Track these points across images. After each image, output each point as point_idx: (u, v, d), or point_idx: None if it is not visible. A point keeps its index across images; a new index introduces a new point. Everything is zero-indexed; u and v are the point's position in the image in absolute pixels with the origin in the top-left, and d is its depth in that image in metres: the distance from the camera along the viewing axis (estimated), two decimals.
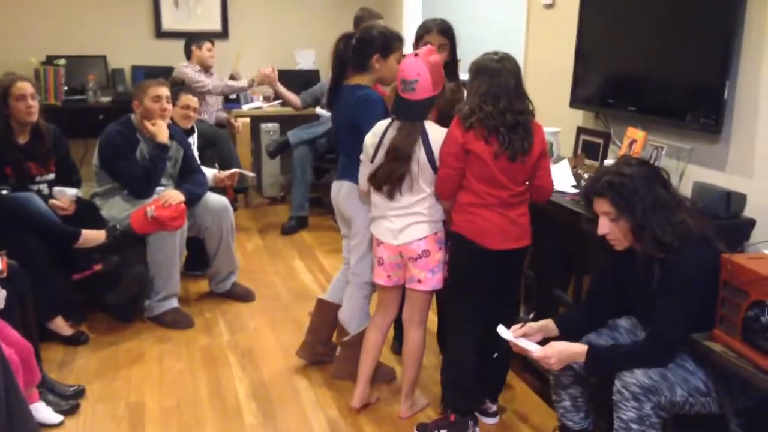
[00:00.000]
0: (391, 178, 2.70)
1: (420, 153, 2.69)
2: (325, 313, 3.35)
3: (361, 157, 2.85)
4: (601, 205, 2.28)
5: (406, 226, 2.76)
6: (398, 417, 2.97)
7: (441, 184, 2.70)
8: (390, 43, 3.02)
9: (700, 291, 2.14)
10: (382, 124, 2.78)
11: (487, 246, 2.66)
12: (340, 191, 3.13)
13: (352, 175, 3.00)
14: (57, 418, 2.91)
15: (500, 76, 2.59)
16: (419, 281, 2.80)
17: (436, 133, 2.71)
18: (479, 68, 2.63)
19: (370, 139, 2.79)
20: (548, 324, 2.53)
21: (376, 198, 2.81)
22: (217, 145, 5.50)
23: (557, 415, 2.51)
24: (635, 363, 2.19)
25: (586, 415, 2.46)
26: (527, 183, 2.70)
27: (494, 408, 2.97)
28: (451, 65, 3.16)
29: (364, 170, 2.84)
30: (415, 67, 2.66)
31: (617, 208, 2.24)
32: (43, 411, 2.88)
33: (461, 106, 2.64)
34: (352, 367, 3.13)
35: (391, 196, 2.74)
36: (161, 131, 3.88)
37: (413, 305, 2.89)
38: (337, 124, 3.18)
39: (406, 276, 2.85)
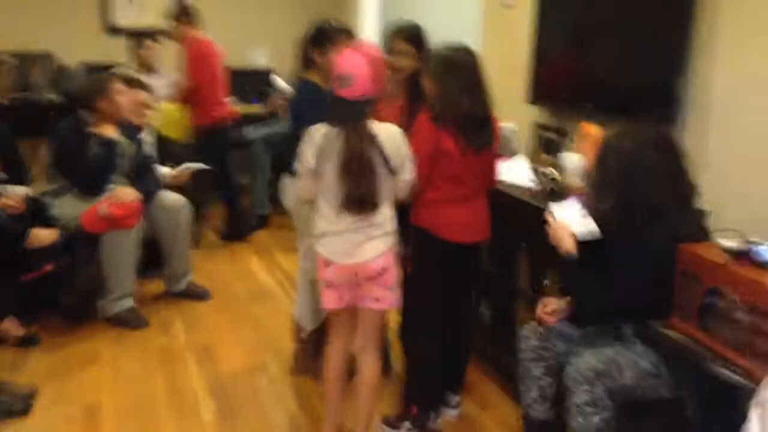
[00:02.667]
0: (368, 194, 2.39)
1: (374, 157, 2.41)
2: None
3: (298, 167, 2.52)
4: None
5: (364, 241, 2.46)
6: None
7: (420, 180, 2.60)
8: (328, 34, 2.87)
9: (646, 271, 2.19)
10: (320, 130, 2.44)
11: (451, 239, 2.68)
12: (283, 184, 3.10)
13: (293, 170, 2.87)
14: None
15: (474, 70, 2.58)
16: (377, 300, 2.53)
17: (384, 133, 2.44)
18: (448, 63, 2.57)
19: (308, 148, 2.44)
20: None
21: (327, 211, 2.48)
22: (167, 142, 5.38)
23: (523, 404, 2.53)
24: (577, 294, 2.34)
25: (551, 406, 2.48)
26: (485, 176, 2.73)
27: (456, 400, 2.99)
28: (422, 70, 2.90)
29: (306, 182, 2.49)
30: (351, 60, 2.39)
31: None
32: None
33: (435, 102, 2.57)
34: (309, 362, 3.12)
35: (372, 210, 2.43)
36: (110, 130, 3.82)
37: (369, 326, 2.60)
38: None
39: (360, 294, 2.54)
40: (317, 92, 2.86)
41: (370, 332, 2.61)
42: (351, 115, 2.40)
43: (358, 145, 2.37)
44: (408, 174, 2.53)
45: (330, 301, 2.54)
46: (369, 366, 2.62)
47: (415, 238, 2.75)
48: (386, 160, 2.42)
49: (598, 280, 2.26)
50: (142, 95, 4.34)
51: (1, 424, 2.80)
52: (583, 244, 2.35)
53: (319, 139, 2.43)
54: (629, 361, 2.22)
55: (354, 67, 2.37)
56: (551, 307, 2.52)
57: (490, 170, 2.78)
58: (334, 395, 2.68)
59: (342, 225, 2.45)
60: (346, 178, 2.38)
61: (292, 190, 3.01)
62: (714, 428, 2.23)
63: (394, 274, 2.54)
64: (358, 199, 2.40)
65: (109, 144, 3.80)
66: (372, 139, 2.39)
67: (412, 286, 2.82)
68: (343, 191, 2.40)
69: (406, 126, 2.78)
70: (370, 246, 2.46)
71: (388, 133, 2.45)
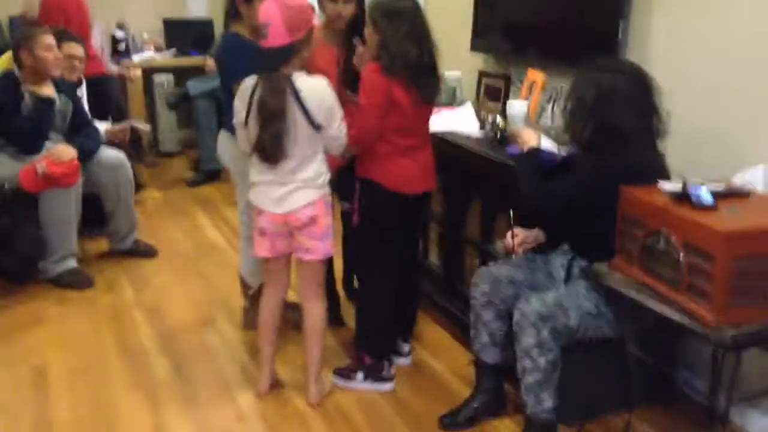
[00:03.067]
0: (271, 143, 2.43)
1: (294, 110, 2.42)
2: None
3: (234, 121, 2.60)
4: None
5: (291, 191, 2.50)
6: (307, 404, 2.72)
7: (365, 135, 2.58)
8: None
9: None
10: (249, 83, 2.49)
11: (401, 191, 2.67)
12: (219, 141, 3.08)
13: (226, 125, 2.91)
14: None
15: (417, 16, 2.55)
16: (307, 250, 2.58)
17: (309, 87, 2.44)
18: (391, 10, 2.53)
19: (239, 100, 2.52)
20: (538, 232, 2.62)
21: (257, 162, 2.53)
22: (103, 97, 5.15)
23: (473, 349, 2.59)
24: (526, 186, 2.39)
25: (501, 350, 2.54)
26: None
27: (407, 348, 3.04)
28: (360, 18, 2.87)
29: (240, 133, 2.58)
30: (267, 10, 2.39)
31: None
32: None
33: (380, 52, 2.52)
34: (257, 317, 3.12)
35: (275, 162, 2.47)
36: (46, 88, 3.68)
37: (306, 277, 2.66)
38: None
39: (293, 245, 2.61)
40: (242, 44, 2.81)
41: (307, 282, 2.67)
42: (266, 64, 2.43)
43: (267, 94, 2.41)
44: (336, 130, 2.51)
45: (262, 249, 2.62)
46: (311, 315, 2.68)
47: (362, 190, 2.75)
48: (307, 114, 2.43)
49: (550, 183, 2.35)
50: (74, 48, 4.18)
51: None
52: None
53: (246, 90, 2.48)
54: (573, 304, 2.29)
55: (269, 16, 2.38)
56: (520, 237, 2.58)
57: (430, 119, 2.77)
58: (265, 344, 2.74)
59: (270, 175, 2.51)
60: (258, 126, 2.44)
61: (226, 146, 2.99)
62: (651, 364, 2.33)
63: (324, 225, 2.57)
64: (263, 148, 2.45)
65: (45, 102, 3.67)
66: (287, 89, 2.40)
67: (361, 238, 2.83)
68: (253, 139, 2.47)
69: (342, 74, 2.82)
70: (297, 196, 2.51)
71: (311, 86, 2.45)
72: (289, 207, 2.51)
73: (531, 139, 2.49)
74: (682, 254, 1.95)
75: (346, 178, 2.82)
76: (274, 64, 2.42)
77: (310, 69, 2.63)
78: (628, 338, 2.28)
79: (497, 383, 2.59)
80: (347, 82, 2.84)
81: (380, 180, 2.67)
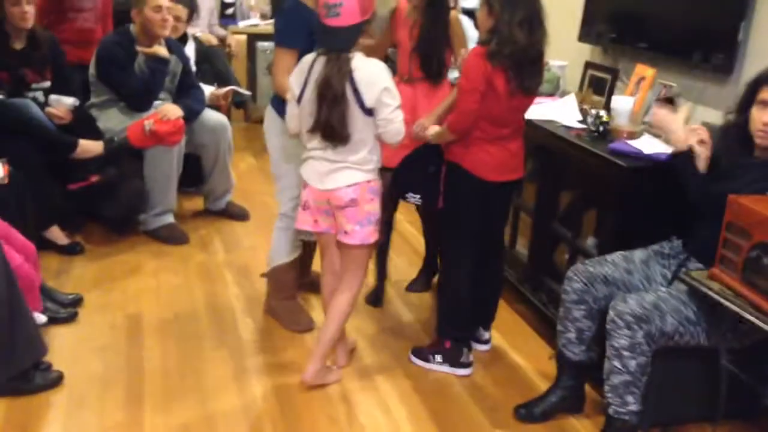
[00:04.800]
0: (339, 125, 2.39)
1: (348, 92, 2.39)
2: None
3: (287, 95, 2.57)
4: None
5: (336, 170, 2.48)
6: (301, 379, 2.69)
7: (463, 121, 2.55)
8: None
9: None
10: (308, 59, 2.46)
11: (486, 178, 2.65)
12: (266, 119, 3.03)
13: (273, 102, 2.93)
14: (40, 319, 2.86)
15: (536, 3, 2.48)
16: (346, 233, 2.54)
17: (365, 70, 2.39)
18: None
19: (296, 75, 2.49)
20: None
21: (310, 139, 2.52)
22: (209, 61, 5.35)
23: (558, 344, 2.56)
24: (696, 188, 2.34)
25: (587, 348, 2.51)
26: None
27: (487, 335, 3.04)
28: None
29: (291, 110, 2.55)
30: None
31: None
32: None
33: (489, 36, 2.49)
34: (271, 301, 3.16)
35: (342, 143, 2.44)
36: (160, 48, 3.81)
37: (346, 259, 2.64)
38: None
39: (335, 224, 2.59)
40: (299, 11, 2.74)
41: (345, 264, 2.65)
42: (334, 44, 2.39)
43: (333, 74, 2.37)
44: (388, 115, 2.43)
45: (304, 222, 2.62)
46: (337, 298, 2.66)
47: (447, 174, 2.74)
48: (358, 98, 2.39)
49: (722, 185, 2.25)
50: (177, 9, 4.25)
51: (48, 330, 2.90)
52: None
53: (304, 67, 2.46)
54: (672, 308, 2.23)
55: None
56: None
57: (527, 110, 2.72)
58: (326, 314, 2.72)
59: (321, 152, 2.50)
60: (318, 105, 2.40)
61: (275, 124, 2.93)
62: (745, 380, 2.26)
63: (365, 211, 2.52)
64: (325, 127, 2.41)
65: (160, 62, 3.80)
66: (349, 71, 2.36)
67: (443, 223, 2.84)
68: (314, 117, 2.44)
69: (414, 49, 2.91)
70: (340, 175, 2.49)
71: (366, 68, 2.40)
72: (332, 184, 2.49)
73: (688, 137, 2.40)
74: None
75: (414, 170, 2.81)
76: (345, 44, 2.38)
77: (392, 43, 2.74)
78: (721, 350, 2.21)
79: (578, 381, 2.57)
80: (418, 58, 2.99)
81: (466, 165, 2.65)
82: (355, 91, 2.38)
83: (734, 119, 2.37)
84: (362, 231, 2.53)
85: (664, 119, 2.54)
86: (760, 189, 2.17)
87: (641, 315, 2.19)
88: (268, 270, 3.13)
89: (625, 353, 2.20)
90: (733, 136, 2.37)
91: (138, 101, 3.82)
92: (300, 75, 2.47)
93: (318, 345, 2.68)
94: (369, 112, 2.42)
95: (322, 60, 2.40)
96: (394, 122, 2.45)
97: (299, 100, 2.48)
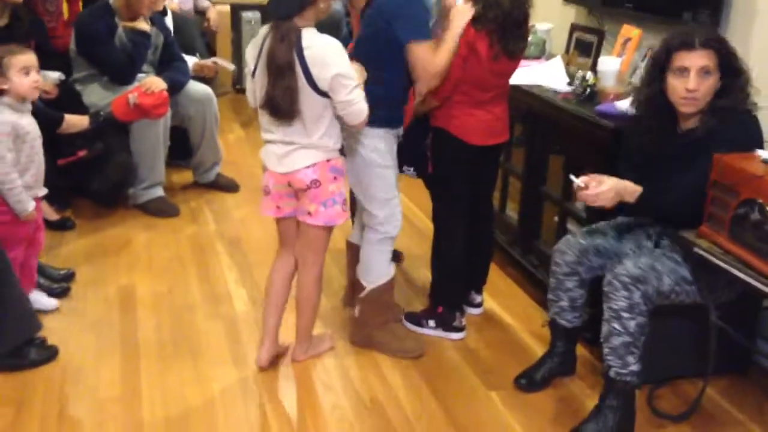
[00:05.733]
0: (284, 99, 2.24)
1: (297, 67, 2.23)
2: (354, 256, 2.85)
3: (245, 69, 2.45)
4: (699, 58, 2.19)
5: (292, 151, 2.35)
6: (292, 359, 2.66)
7: (444, 87, 2.52)
8: None
9: None
10: (263, 30, 2.31)
11: (471, 142, 2.66)
12: None
13: (379, 115, 2.49)
14: (52, 303, 2.94)
15: None
16: (309, 214, 2.42)
17: (315, 48, 2.24)
18: None
19: (251, 48, 2.36)
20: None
21: (264, 118, 2.38)
22: (179, 32, 4.84)
23: (549, 313, 2.57)
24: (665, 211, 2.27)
25: (579, 315, 2.52)
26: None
27: (479, 299, 3.06)
28: None
29: (248, 85, 2.42)
30: None
31: (719, 63, 2.20)
32: (41, 299, 2.91)
33: (473, 2, 2.45)
34: (369, 331, 2.77)
35: (289, 119, 2.29)
36: (141, 22, 3.77)
37: (305, 241, 2.52)
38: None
39: (298, 207, 2.47)
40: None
41: (305, 245, 2.53)
42: (278, 12, 2.25)
43: (276, 44, 2.22)
44: (346, 96, 2.27)
45: (267, 208, 2.52)
46: (301, 280, 2.57)
47: (433, 139, 2.73)
48: (310, 78, 2.25)
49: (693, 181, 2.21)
50: None
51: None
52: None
53: (258, 39, 2.33)
54: (668, 268, 2.24)
55: None
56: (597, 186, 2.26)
57: (512, 74, 2.72)
58: (270, 314, 2.60)
59: (276, 134, 2.36)
60: (265, 79, 2.27)
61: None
62: (734, 335, 2.29)
63: (329, 191, 2.40)
64: (276, 104, 2.26)
65: (141, 35, 3.76)
66: (294, 43, 2.21)
67: (435, 189, 2.84)
68: (260, 91, 2.31)
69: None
70: (297, 155, 2.35)
71: (318, 49, 2.24)
72: (290, 167, 2.36)
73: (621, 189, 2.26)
74: None
75: (409, 143, 2.76)
76: (288, 10, 2.22)
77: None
78: (711, 306, 2.24)
79: (571, 345, 2.59)
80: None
81: (451, 129, 2.65)
82: (306, 71, 2.24)
83: (645, 93, 2.33)
84: (327, 212, 2.42)
85: (596, 199, 2.27)
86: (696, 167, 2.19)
87: (638, 276, 2.20)
88: (366, 293, 2.72)
89: (624, 314, 2.20)
90: (652, 112, 2.33)
91: (121, 75, 3.80)
92: (254, 48, 2.34)
93: (298, 330, 2.63)
94: (323, 93, 2.28)
95: (270, 31, 2.28)
96: (353, 103, 2.29)
97: (253, 74, 2.35)
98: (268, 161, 2.43)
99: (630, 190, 2.26)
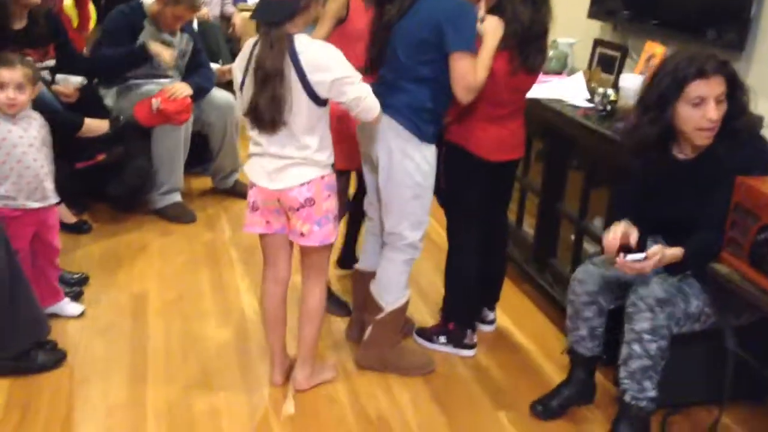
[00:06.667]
0: (268, 108, 2.13)
1: (291, 74, 2.13)
2: (365, 284, 2.72)
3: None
4: (717, 86, 2.09)
5: (286, 166, 2.23)
6: (295, 389, 2.55)
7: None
8: None
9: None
10: (251, 41, 2.22)
11: (486, 158, 2.61)
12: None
13: (414, 122, 2.42)
14: (77, 309, 2.95)
15: None
16: (302, 235, 2.30)
17: (311, 52, 2.14)
18: None
19: (238, 60, 2.25)
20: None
21: (253, 131, 2.27)
22: (204, 38, 4.78)
23: (569, 341, 2.49)
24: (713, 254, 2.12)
25: (599, 343, 2.44)
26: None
27: (492, 316, 3.02)
28: None
29: (238, 95, 2.31)
30: None
31: (731, 87, 2.12)
32: (65, 307, 2.93)
33: (492, 14, 2.39)
34: (380, 352, 2.66)
35: (272, 130, 2.18)
36: (164, 52, 3.78)
37: (305, 262, 2.43)
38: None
39: (289, 226, 2.35)
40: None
41: (307, 266, 2.44)
42: (268, 18, 2.14)
43: (265, 52, 2.12)
44: (354, 94, 2.18)
45: (253, 224, 2.39)
46: (305, 298, 2.48)
47: (446, 154, 2.68)
48: (307, 85, 2.15)
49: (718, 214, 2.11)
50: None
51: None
52: None
53: (246, 50, 2.23)
54: (696, 289, 2.19)
55: None
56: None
57: (530, 89, 2.67)
58: (273, 339, 2.55)
59: (264, 146, 2.25)
60: (251, 88, 2.18)
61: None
62: (750, 361, 2.23)
63: (323, 209, 2.29)
64: (259, 114, 2.16)
65: (148, 58, 3.80)
66: (292, 53, 2.12)
67: (449, 204, 2.80)
68: (246, 101, 2.21)
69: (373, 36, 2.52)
70: (292, 172, 2.24)
71: (313, 53, 2.15)
72: (283, 183, 2.24)
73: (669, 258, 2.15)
74: None
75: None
76: (277, 16, 2.12)
77: (352, 35, 2.55)
78: (727, 332, 2.18)
79: (590, 373, 2.52)
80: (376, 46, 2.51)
81: (466, 145, 2.61)
82: (303, 78, 2.14)
83: (649, 118, 2.18)
84: (321, 231, 2.31)
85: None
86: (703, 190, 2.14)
87: (664, 298, 2.14)
88: (383, 315, 2.61)
89: (646, 336, 2.14)
90: (651, 141, 2.21)
91: (103, 71, 3.89)
92: (242, 60, 2.23)
93: (300, 349, 2.53)
94: (320, 101, 2.19)
95: (259, 38, 2.18)
96: (362, 99, 2.20)
97: (241, 87, 2.25)
98: (257, 177, 2.29)
99: (676, 253, 2.15)
